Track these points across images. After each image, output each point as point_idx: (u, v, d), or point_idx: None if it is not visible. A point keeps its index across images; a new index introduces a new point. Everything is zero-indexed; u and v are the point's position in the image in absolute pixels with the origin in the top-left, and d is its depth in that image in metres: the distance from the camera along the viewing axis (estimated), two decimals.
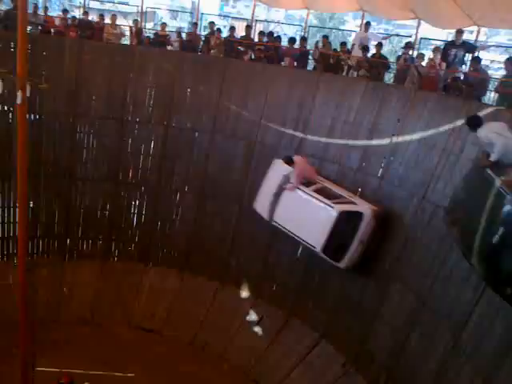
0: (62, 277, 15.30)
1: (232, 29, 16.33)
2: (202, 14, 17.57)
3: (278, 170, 13.16)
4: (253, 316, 14.27)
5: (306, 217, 12.30)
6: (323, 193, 12.43)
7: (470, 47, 13.26)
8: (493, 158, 7.64)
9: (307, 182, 12.73)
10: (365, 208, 11.98)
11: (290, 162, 12.74)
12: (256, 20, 17.67)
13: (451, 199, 9.39)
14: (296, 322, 13.51)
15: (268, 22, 20.94)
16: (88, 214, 15.69)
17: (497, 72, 13.72)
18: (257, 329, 14.08)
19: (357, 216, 11.91)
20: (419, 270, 11.22)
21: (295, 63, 14.95)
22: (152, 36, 16.60)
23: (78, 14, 17.38)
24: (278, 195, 12.83)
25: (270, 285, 14.34)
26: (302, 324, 13.39)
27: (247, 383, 13.10)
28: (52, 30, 16.02)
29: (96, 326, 14.53)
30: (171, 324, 14.69)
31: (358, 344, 12.17)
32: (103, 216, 15.82)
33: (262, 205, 13.38)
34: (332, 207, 11.93)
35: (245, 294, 14.71)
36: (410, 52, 14.03)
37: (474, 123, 8.23)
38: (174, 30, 17.23)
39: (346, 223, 11.93)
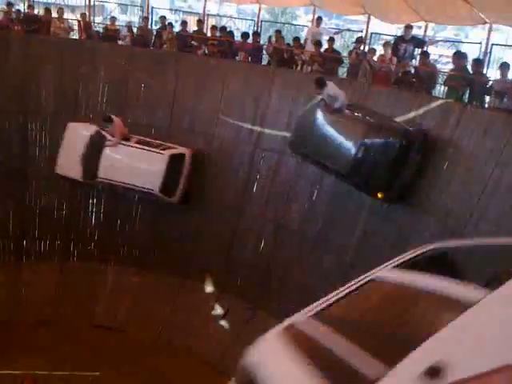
0: (20, 278, 14.86)
1: (184, 23, 16.08)
2: (153, 8, 17.14)
3: (78, 132, 14.18)
4: (218, 310, 14.25)
5: (139, 166, 13.73)
6: (145, 144, 13.95)
7: (419, 42, 13.56)
8: (337, 106, 10.91)
9: (125, 138, 14.00)
10: (185, 150, 14.00)
11: (109, 120, 13.68)
12: (208, 14, 17.43)
13: (293, 135, 12.07)
14: (262, 314, 13.52)
15: (220, 16, 20.71)
16: (44, 214, 15.21)
17: (445, 66, 14.06)
18: (222, 322, 14.07)
19: (181, 157, 13.86)
20: (379, 261, 11.42)
21: (249, 58, 14.85)
22: (101, 30, 16.11)
23: (22, 7, 16.57)
24: (93, 155, 13.77)
25: (235, 279, 14.28)
26: (269, 316, 13.42)
27: (214, 376, 13.06)
28: None
29: (58, 326, 14.08)
30: (135, 322, 14.43)
31: None
32: (60, 216, 15.33)
33: (68, 168, 14.17)
34: (162, 153, 13.59)
35: (208, 288, 14.62)
36: (362, 47, 14.19)
37: (322, 83, 10.99)
38: (124, 24, 16.75)
39: (174, 164, 13.67)
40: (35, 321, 14.16)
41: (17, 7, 16.80)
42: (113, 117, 13.76)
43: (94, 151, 13.81)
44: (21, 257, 15.20)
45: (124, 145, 13.81)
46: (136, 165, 13.73)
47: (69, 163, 14.06)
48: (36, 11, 16.41)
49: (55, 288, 14.82)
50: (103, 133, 13.90)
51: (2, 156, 14.55)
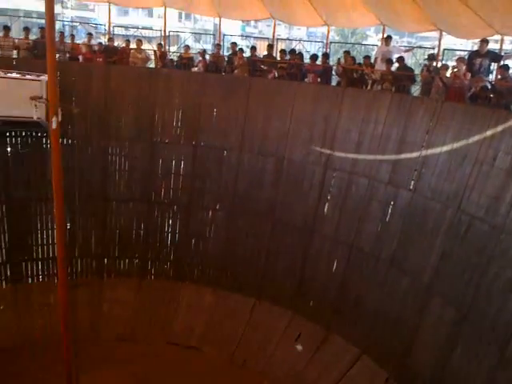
0: (101, 295, 14.67)
1: (253, 48, 15.52)
2: (225, 35, 16.73)
3: None
4: (290, 332, 13.31)
5: (16, 95, 12.15)
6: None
7: (496, 56, 12.28)
8: None
9: None
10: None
11: None
12: (277, 39, 16.81)
13: None
14: (335, 337, 12.56)
15: (289, 40, 20.08)
16: (123, 233, 15.03)
17: None
18: (295, 345, 13.13)
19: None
20: (458, 282, 10.24)
21: (319, 79, 14.01)
22: (176, 59, 15.82)
23: (103, 40, 16.64)
24: None
25: (307, 301, 13.40)
26: (342, 339, 12.42)
27: None
28: (80, 57, 15.31)
29: (135, 343, 13.78)
30: (209, 341, 13.87)
31: (401, 359, 11.18)
32: (138, 235, 15.09)
33: None
34: (39, 78, 12.26)
35: (281, 310, 13.74)
36: (434, 63, 13.02)
37: None
38: (197, 51, 16.41)
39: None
40: (114, 337, 13.93)
41: (98, 40, 16.91)
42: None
43: None
44: (102, 275, 15.05)
45: None
46: (11, 95, 12.30)
47: None
48: (116, 43, 16.36)
49: (133, 305, 14.51)
50: None
51: (85, 180, 14.41)
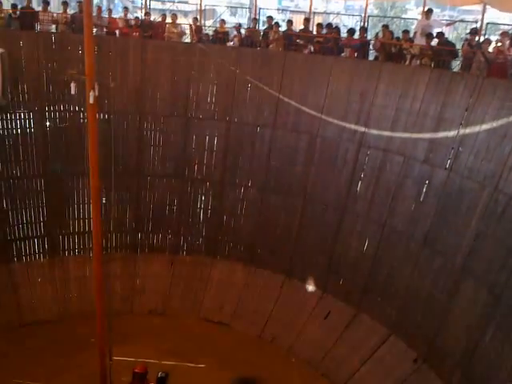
0: (134, 270, 15.34)
1: (289, 22, 15.64)
2: (260, 9, 16.92)
3: None
4: (320, 310, 13.70)
5: None
6: None
7: None
8: None
9: None
10: None
11: None
12: (314, 12, 16.88)
13: None
14: (364, 316, 12.86)
15: (327, 13, 20.10)
16: (157, 209, 15.57)
17: None
18: (324, 323, 13.50)
19: None
20: (493, 263, 10.33)
21: (355, 54, 14.09)
22: (212, 33, 16.16)
23: (140, 15, 17.10)
24: None
25: (337, 279, 13.73)
26: (371, 319, 12.70)
27: (316, 377, 12.60)
28: (116, 32, 15.84)
29: (167, 317, 14.49)
30: (239, 317, 14.40)
31: (430, 340, 11.39)
32: (171, 211, 15.61)
33: None
34: None
35: (311, 288, 14.16)
36: (476, 38, 12.91)
37: None
38: (233, 26, 16.70)
39: None
40: (148, 311, 14.68)
41: (135, 15, 17.39)
42: None
43: None
44: (136, 250, 15.65)
45: None
46: None
47: None
48: (152, 18, 16.79)
49: (166, 280, 15.13)
50: None
51: (120, 154, 14.80)
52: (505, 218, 10.30)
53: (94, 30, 14.28)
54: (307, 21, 15.48)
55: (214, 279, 15.19)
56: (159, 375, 9.92)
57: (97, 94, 8.48)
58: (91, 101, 8.41)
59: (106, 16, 16.25)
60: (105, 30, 15.73)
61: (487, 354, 10.10)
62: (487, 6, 13.57)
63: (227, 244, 15.49)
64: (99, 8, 16.51)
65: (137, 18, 16.63)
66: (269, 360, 12.99)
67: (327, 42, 14.32)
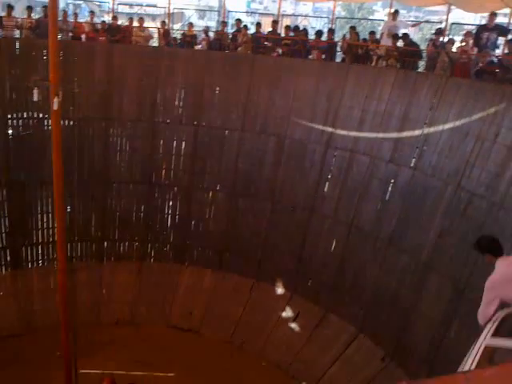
0: (101, 279, 15.79)
1: (258, 25, 16.53)
2: (229, 11, 17.85)
3: None
4: (289, 312, 14.46)
5: None
6: None
7: (504, 30, 13.13)
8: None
9: None
10: None
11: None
12: (283, 15, 17.84)
13: None
14: (333, 317, 13.65)
15: (295, 15, 21.10)
16: (124, 216, 16.11)
17: None
18: (293, 325, 14.25)
19: None
20: (456, 259, 11.20)
21: (323, 56, 15.05)
22: (180, 36, 16.97)
23: (107, 18, 17.87)
24: None
25: (305, 280, 14.50)
26: (339, 319, 13.49)
27: (286, 380, 13.26)
28: (83, 36, 16.55)
29: (135, 326, 14.91)
30: (208, 323, 14.97)
31: (397, 338, 12.20)
32: (138, 218, 16.19)
33: None
34: None
35: (280, 290, 14.90)
36: (441, 38, 13.96)
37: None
38: (201, 29, 17.55)
39: None
40: (115, 320, 15.10)
41: (102, 19, 18.17)
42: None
43: None
44: (102, 258, 16.18)
45: None
46: None
47: None
48: (119, 22, 17.55)
49: (133, 288, 15.63)
50: None
51: (85, 161, 15.50)
52: (467, 215, 11.18)
53: (60, 34, 15.01)
54: (275, 23, 16.36)
55: (183, 286, 15.76)
56: None
57: (61, 99, 8.85)
58: (55, 107, 8.78)
59: (72, 20, 16.88)
60: (70, 34, 16.33)
61: (453, 349, 10.81)
62: (452, 7, 14.62)
63: (195, 249, 16.13)
64: (65, 12, 16.99)
65: (103, 22, 17.37)
66: (239, 365, 13.56)
67: (295, 45, 15.25)
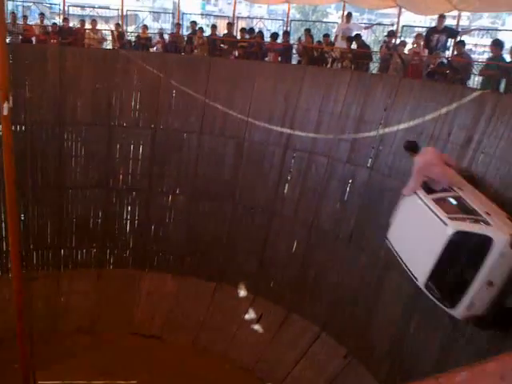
0: (59, 287, 15.53)
1: (213, 27, 16.61)
2: (184, 13, 17.85)
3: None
4: (252, 314, 14.59)
5: (417, 237, 9.13)
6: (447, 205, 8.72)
7: (453, 32, 13.60)
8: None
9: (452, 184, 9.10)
10: (496, 233, 7.73)
11: (412, 149, 9.64)
12: (238, 17, 17.98)
13: None
14: (295, 316, 13.85)
15: (250, 18, 21.27)
16: (81, 222, 15.87)
17: (481, 56, 14.04)
18: (257, 326, 14.38)
19: (483, 241, 7.81)
20: None
21: (279, 58, 15.25)
22: (134, 39, 16.87)
23: (58, 21, 17.60)
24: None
25: (267, 282, 14.67)
26: (302, 318, 13.70)
27: (251, 381, 13.37)
28: (33, 39, 16.27)
29: (96, 334, 14.70)
30: (171, 328, 14.92)
31: (359, 335, 12.48)
32: (96, 224, 16.02)
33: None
34: (446, 223, 8.11)
35: (242, 292, 15.01)
36: (393, 40, 14.35)
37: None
38: (156, 31, 17.50)
39: (466, 250, 8.20)
40: (74, 329, 14.81)
41: (53, 21, 17.86)
42: (424, 147, 10.00)
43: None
44: (59, 266, 15.90)
45: (418, 196, 9.08)
46: (415, 233, 9.18)
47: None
48: (71, 24, 17.33)
49: (93, 296, 15.42)
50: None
51: (39, 167, 15.22)
52: None
53: (8, 37, 14.71)
54: (231, 25, 16.50)
55: (144, 291, 15.65)
56: None
57: (11, 105, 8.66)
58: (5, 113, 8.57)
59: (22, 23, 16.56)
60: (20, 37, 16.08)
61: (413, 345, 11.20)
62: (403, 10, 15.06)
63: (156, 254, 16.06)
64: (14, 14, 16.77)
65: (54, 24, 17.10)
66: (203, 369, 13.54)
67: (251, 47, 15.42)
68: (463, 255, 8.21)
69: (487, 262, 7.72)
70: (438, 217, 8.24)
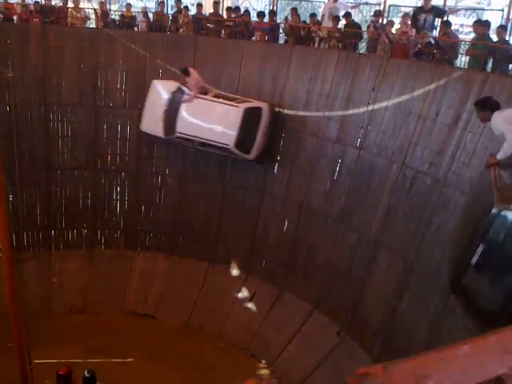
0: (50, 268, 15.37)
1: (199, 6, 16.16)
2: None
3: (161, 89, 14.30)
4: (245, 293, 14.53)
5: (214, 120, 13.68)
6: (221, 98, 13.80)
7: (439, 12, 13.37)
8: (498, 156, 6.66)
9: (202, 92, 13.97)
10: (262, 104, 13.64)
11: (186, 72, 13.62)
12: None
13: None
14: (288, 295, 13.83)
15: None
16: (70, 203, 15.62)
17: (468, 36, 13.91)
18: (250, 305, 14.34)
19: (257, 111, 13.57)
20: (404, 235, 11.56)
21: (266, 37, 14.92)
22: (118, 18, 16.38)
23: None
24: (173, 110, 13.89)
25: (260, 260, 14.60)
26: (295, 297, 13.68)
27: (245, 359, 13.38)
28: (15, 18, 15.70)
29: (90, 314, 14.63)
30: (165, 307, 14.85)
31: (351, 312, 12.52)
32: (86, 205, 15.76)
33: (152, 124, 14.32)
34: (237, 106, 13.37)
35: (235, 271, 14.92)
36: (380, 20, 14.12)
37: (489, 106, 7.03)
38: (140, 10, 16.98)
39: (250, 118, 13.42)
40: (68, 309, 14.77)
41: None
42: (190, 69, 13.63)
43: (173, 107, 13.85)
44: (50, 247, 15.66)
45: (200, 98, 13.68)
46: (211, 119, 13.63)
47: (152, 121, 14.19)
48: (53, 2, 16.71)
49: (85, 276, 15.27)
50: (183, 88, 13.84)
51: (25, 148, 14.85)
52: (412, 192, 11.50)
53: None
54: (217, 4, 16.03)
55: (136, 271, 15.54)
56: (85, 375, 10.21)
57: None
58: None
59: (2, 1, 15.97)
60: (1, 16, 15.50)
61: (404, 321, 11.29)
62: None
63: (147, 235, 15.87)
64: None
65: (36, 2, 16.48)
66: (197, 347, 13.55)
67: (238, 26, 15.05)
68: (250, 120, 13.38)
69: (262, 120, 13.53)
70: (231, 104, 13.44)
